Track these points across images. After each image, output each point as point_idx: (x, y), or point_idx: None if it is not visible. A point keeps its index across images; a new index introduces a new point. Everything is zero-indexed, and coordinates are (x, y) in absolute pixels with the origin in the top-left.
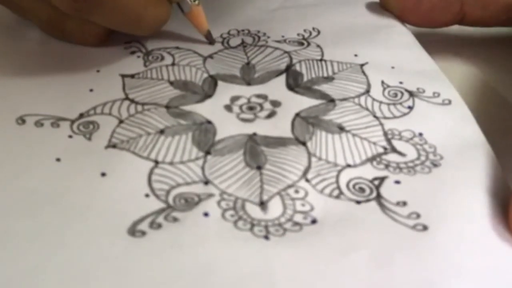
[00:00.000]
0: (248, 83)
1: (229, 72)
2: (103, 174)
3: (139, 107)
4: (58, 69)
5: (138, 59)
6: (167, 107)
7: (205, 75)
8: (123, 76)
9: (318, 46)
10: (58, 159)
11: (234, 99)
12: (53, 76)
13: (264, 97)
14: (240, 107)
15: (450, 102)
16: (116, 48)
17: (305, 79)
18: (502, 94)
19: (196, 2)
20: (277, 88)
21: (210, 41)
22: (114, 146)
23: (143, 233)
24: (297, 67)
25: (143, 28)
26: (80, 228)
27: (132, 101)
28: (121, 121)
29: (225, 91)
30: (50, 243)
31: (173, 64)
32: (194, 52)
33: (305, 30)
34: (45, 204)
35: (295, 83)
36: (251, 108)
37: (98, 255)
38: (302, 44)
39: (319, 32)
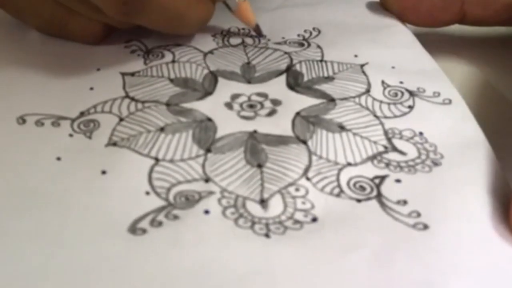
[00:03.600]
0: (249, 81)
1: (230, 68)
2: (104, 172)
3: (139, 105)
4: (58, 68)
5: (138, 57)
6: (167, 104)
7: (206, 71)
8: (123, 74)
9: (319, 46)
10: (58, 158)
11: (235, 96)
12: (53, 75)
13: (265, 95)
14: (241, 105)
15: (450, 101)
16: (116, 47)
17: (305, 79)
18: (502, 93)
19: None
20: (277, 87)
21: (259, 34)
22: (114, 144)
23: (144, 231)
24: (298, 67)
25: (186, 28)
26: (80, 227)
27: (132, 99)
28: (121, 119)
29: (225, 89)
30: (50, 242)
31: (173, 61)
32: (194, 48)
33: (305, 31)
34: (46, 203)
35: (295, 82)
36: (251, 106)
37: (99, 253)
38: (302, 45)
39: (319, 32)
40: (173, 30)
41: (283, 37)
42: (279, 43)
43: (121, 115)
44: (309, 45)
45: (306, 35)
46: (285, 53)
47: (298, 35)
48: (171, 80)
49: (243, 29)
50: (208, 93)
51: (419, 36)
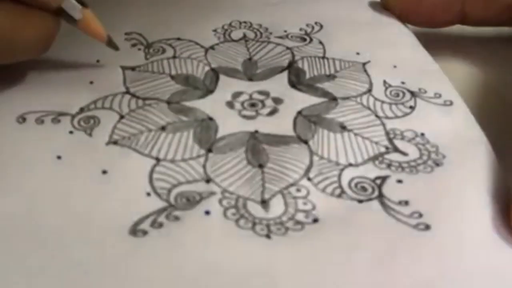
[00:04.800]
0: (250, 79)
1: (231, 65)
2: (104, 172)
3: (140, 102)
4: (57, 60)
5: (139, 51)
6: (168, 102)
7: (207, 68)
8: (124, 69)
9: (321, 42)
10: (59, 157)
11: (236, 95)
12: (52, 68)
13: (266, 93)
14: (242, 103)
15: (451, 103)
16: (116, 39)
17: (307, 76)
18: (502, 94)
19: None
20: (279, 84)
21: (114, 47)
22: (115, 142)
23: (145, 232)
24: (299, 64)
25: (21, 53)
26: (81, 228)
27: (133, 95)
28: (122, 116)
29: (226, 87)
30: (51, 243)
31: (174, 56)
32: (195, 43)
33: (307, 25)
34: (46, 204)
35: (297, 80)
36: (252, 105)
37: (100, 255)
38: (304, 39)
39: (321, 27)
40: (3, 60)
41: (285, 31)
42: (281, 37)
43: (122, 112)
44: (311, 40)
45: (308, 30)
46: (287, 48)
47: (300, 29)
48: (172, 77)
49: (244, 22)
50: (209, 91)
51: (419, 36)
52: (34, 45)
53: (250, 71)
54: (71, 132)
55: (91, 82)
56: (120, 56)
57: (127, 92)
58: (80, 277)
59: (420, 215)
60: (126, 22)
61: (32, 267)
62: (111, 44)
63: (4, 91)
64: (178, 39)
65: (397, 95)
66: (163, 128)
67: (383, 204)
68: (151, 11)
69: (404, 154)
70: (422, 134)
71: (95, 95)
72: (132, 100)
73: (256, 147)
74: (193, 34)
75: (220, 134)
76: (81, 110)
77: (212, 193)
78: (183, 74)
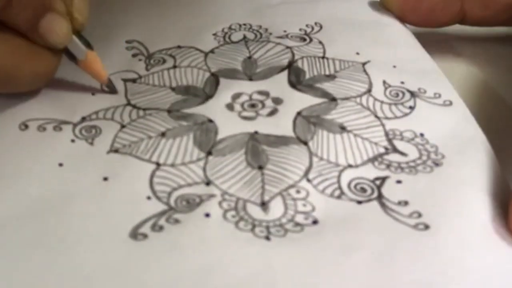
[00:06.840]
0: (250, 78)
1: (231, 66)
2: (105, 179)
3: (141, 112)
4: (59, 70)
5: (140, 62)
6: (169, 111)
7: (207, 74)
8: (125, 81)
9: (320, 42)
10: (60, 164)
11: (236, 96)
12: (54, 78)
13: (266, 93)
14: (242, 104)
15: (451, 103)
16: (117, 49)
17: (307, 76)
18: (502, 94)
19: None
20: (279, 84)
21: (112, 90)
22: (116, 151)
23: (145, 236)
24: (299, 64)
25: (18, 87)
26: (82, 232)
27: (134, 106)
28: (123, 126)
29: (226, 89)
30: (52, 247)
31: (174, 66)
32: (195, 49)
33: (307, 25)
34: (48, 210)
35: (297, 80)
36: (252, 106)
37: (100, 259)
38: (304, 39)
39: (321, 27)
40: (3, 90)
41: (284, 31)
42: (281, 37)
43: (123, 122)
44: (310, 40)
45: (308, 30)
46: (287, 47)
47: (300, 30)
48: (173, 89)
49: (244, 24)
50: (209, 96)
51: (419, 36)
52: (33, 80)
53: (250, 70)
54: (72, 141)
55: (93, 94)
56: (121, 67)
57: (128, 104)
58: (81, 280)
59: (420, 215)
60: (127, 29)
61: (33, 270)
62: (110, 87)
63: (7, 98)
64: (179, 47)
65: (397, 95)
66: (163, 134)
67: (382, 205)
68: (151, 18)
69: (404, 154)
70: (422, 134)
71: (97, 106)
72: (133, 111)
73: (256, 149)
74: (193, 39)
75: (220, 136)
76: (83, 119)
77: (212, 196)
78: (184, 85)
